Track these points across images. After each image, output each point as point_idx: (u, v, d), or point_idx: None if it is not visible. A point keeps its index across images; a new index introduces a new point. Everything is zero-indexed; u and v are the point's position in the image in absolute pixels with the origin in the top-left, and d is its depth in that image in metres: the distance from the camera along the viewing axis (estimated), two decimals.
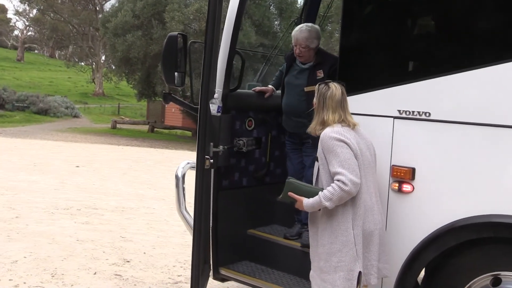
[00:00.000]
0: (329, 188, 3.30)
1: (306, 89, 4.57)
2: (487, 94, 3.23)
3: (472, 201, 3.27)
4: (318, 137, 3.48)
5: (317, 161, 3.49)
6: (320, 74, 4.60)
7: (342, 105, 3.48)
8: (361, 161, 3.36)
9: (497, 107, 3.20)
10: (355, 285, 3.34)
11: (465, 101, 3.31)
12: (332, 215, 3.37)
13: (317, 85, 3.57)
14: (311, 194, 3.37)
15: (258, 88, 4.93)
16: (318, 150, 3.49)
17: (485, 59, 3.26)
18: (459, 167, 3.32)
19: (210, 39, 3.84)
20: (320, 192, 3.33)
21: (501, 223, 3.15)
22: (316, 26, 4.76)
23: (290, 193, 3.45)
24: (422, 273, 3.60)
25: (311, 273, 3.56)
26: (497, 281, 3.28)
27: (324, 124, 3.47)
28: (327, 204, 3.28)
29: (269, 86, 4.96)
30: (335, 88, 3.48)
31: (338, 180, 3.28)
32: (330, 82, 3.52)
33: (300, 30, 4.63)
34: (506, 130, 3.16)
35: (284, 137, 5.00)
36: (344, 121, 3.45)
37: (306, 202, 3.37)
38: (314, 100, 3.57)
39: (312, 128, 3.56)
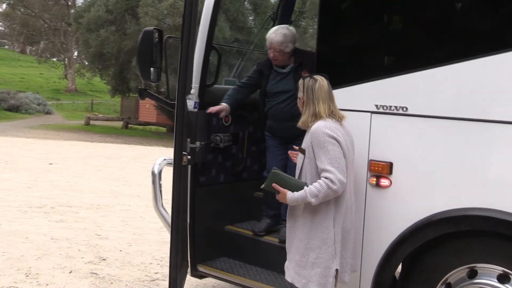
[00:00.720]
0: (316, 184, 3.27)
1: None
2: (463, 89, 3.26)
3: (450, 195, 3.30)
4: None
5: (303, 153, 3.45)
6: (305, 74, 4.43)
7: (330, 96, 3.44)
8: (347, 160, 3.35)
9: (472, 102, 3.23)
10: (331, 282, 3.35)
11: (441, 96, 3.34)
12: (314, 211, 3.35)
13: (301, 79, 3.52)
14: (295, 187, 3.34)
15: (211, 108, 4.52)
16: (305, 142, 3.45)
17: (460, 54, 3.28)
18: (436, 161, 3.35)
19: (187, 34, 3.81)
20: (306, 187, 3.30)
21: (478, 216, 3.18)
22: (292, 29, 4.64)
23: (274, 185, 3.41)
24: (399, 268, 3.63)
25: (286, 263, 3.57)
26: (473, 273, 3.32)
27: (316, 116, 3.42)
28: (312, 200, 3.26)
29: (222, 104, 4.60)
30: (321, 80, 3.44)
31: (326, 178, 3.25)
32: (314, 75, 3.49)
33: (275, 34, 4.52)
34: (482, 124, 3.19)
35: (261, 132, 4.97)
36: (333, 113, 3.42)
37: (291, 196, 3.33)
38: (300, 94, 3.51)
39: (303, 122, 3.50)
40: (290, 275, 3.50)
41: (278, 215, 4.69)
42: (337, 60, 3.81)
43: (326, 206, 3.33)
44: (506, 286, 3.18)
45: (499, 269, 3.22)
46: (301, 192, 3.30)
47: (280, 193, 3.40)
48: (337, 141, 3.31)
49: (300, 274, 3.41)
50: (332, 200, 3.32)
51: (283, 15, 5.72)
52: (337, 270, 3.37)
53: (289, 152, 4.06)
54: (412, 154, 3.43)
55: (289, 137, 4.59)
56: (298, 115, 4.36)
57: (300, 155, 3.50)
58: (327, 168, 3.26)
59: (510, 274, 3.19)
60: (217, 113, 4.56)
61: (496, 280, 3.22)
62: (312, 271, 3.36)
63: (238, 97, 4.72)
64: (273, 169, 3.45)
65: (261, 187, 3.51)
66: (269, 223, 4.72)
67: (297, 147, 3.85)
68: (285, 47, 4.51)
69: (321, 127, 3.34)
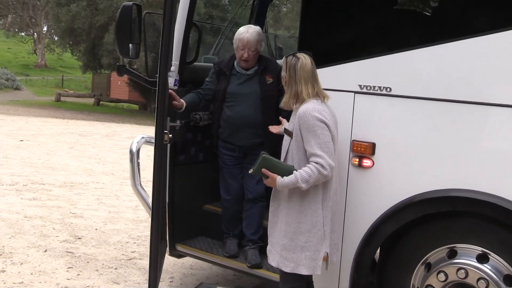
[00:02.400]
0: (306, 169, 3.22)
1: (264, 94, 4.33)
2: (446, 70, 3.26)
3: (431, 175, 3.31)
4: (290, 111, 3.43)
5: (289, 135, 3.40)
6: (270, 78, 4.36)
7: (313, 76, 3.38)
8: (335, 142, 3.32)
9: (455, 82, 3.23)
10: (320, 265, 3.35)
11: (425, 76, 3.33)
12: (302, 194, 3.31)
13: (284, 57, 3.45)
14: (285, 172, 3.28)
15: (173, 94, 4.10)
16: (291, 124, 3.40)
17: (443, 35, 3.28)
18: (418, 142, 3.35)
19: (169, 10, 3.71)
20: (296, 172, 3.24)
21: (459, 197, 3.21)
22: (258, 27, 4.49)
23: (264, 170, 3.32)
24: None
25: (269, 247, 3.53)
26: (453, 253, 3.35)
27: (298, 97, 3.37)
28: (303, 185, 3.21)
29: (182, 99, 4.25)
30: (304, 58, 3.36)
31: (316, 163, 3.21)
32: (297, 52, 3.41)
33: (249, 33, 4.30)
34: (464, 105, 3.20)
35: None
36: (318, 94, 3.38)
37: (281, 181, 3.26)
38: (283, 73, 3.45)
39: (285, 103, 3.45)
40: (274, 259, 3.46)
41: (241, 232, 4.55)
42: (321, 39, 3.76)
43: (314, 189, 3.30)
44: (485, 266, 3.22)
45: (478, 249, 3.26)
46: (291, 177, 3.24)
47: (269, 178, 3.32)
48: (326, 124, 3.26)
49: (288, 258, 3.37)
50: (320, 184, 3.30)
51: None
52: (326, 253, 3.37)
53: (270, 127, 3.99)
54: (394, 134, 3.43)
55: (248, 146, 4.42)
56: (261, 121, 4.29)
57: (286, 138, 3.44)
58: (317, 153, 3.22)
59: (488, 254, 3.23)
60: (174, 99, 4.13)
61: (476, 260, 3.25)
62: (301, 255, 3.34)
63: (196, 100, 4.40)
64: (262, 154, 3.36)
65: (250, 172, 3.41)
66: (237, 242, 4.53)
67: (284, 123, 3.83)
68: (260, 45, 4.37)
69: (310, 110, 3.28)
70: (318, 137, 3.24)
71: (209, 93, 4.48)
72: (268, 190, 3.62)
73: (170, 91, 4.03)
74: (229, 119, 4.41)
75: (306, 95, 3.34)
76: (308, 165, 3.24)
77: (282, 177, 3.27)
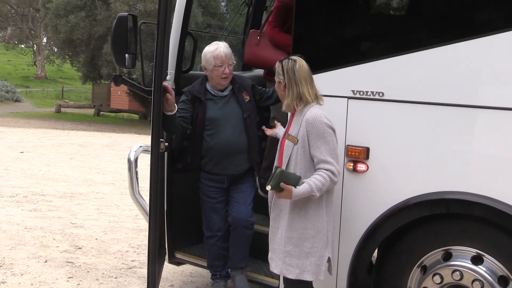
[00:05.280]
0: (319, 177, 3.20)
1: (246, 114, 4.18)
2: (438, 74, 3.29)
3: (425, 178, 3.34)
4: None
5: (292, 141, 3.36)
6: (247, 96, 4.23)
7: (311, 77, 3.39)
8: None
9: (447, 87, 3.27)
10: (323, 271, 3.37)
11: (417, 81, 3.37)
12: (306, 201, 3.30)
13: (278, 62, 3.45)
14: (295, 181, 3.21)
15: (169, 89, 3.90)
16: (295, 129, 3.36)
17: (434, 40, 3.31)
18: (412, 145, 3.39)
19: (163, 20, 3.75)
20: (309, 181, 3.19)
21: (453, 199, 3.24)
22: None
23: (282, 184, 3.17)
24: (376, 253, 3.68)
25: (270, 255, 3.53)
26: (448, 255, 3.38)
27: (302, 99, 3.35)
28: (317, 194, 3.19)
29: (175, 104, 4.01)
30: (300, 60, 3.37)
31: (327, 170, 3.21)
32: (290, 56, 3.43)
33: (222, 46, 4.14)
34: (457, 109, 3.24)
35: None
36: (317, 97, 3.39)
37: (297, 192, 3.17)
38: (280, 78, 3.41)
39: (287, 105, 3.40)
40: (277, 266, 3.45)
41: (225, 268, 4.41)
42: (314, 45, 3.80)
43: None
44: (479, 267, 3.25)
45: (473, 251, 3.29)
46: (305, 187, 3.18)
47: (285, 190, 3.19)
48: (333, 130, 3.30)
49: (293, 265, 3.36)
50: None
51: (258, 0, 5.71)
52: (329, 258, 3.39)
53: (264, 128, 3.98)
54: (388, 139, 3.47)
55: (234, 175, 4.23)
56: (247, 144, 4.14)
57: (289, 144, 3.40)
58: (328, 159, 3.23)
59: (483, 255, 3.26)
60: (168, 92, 3.89)
61: (470, 262, 3.28)
62: (307, 261, 3.34)
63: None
64: (278, 168, 3.26)
65: (267, 188, 3.22)
66: (224, 285, 4.41)
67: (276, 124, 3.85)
68: (233, 59, 4.21)
69: (319, 115, 3.28)
70: (328, 143, 3.25)
71: (185, 120, 4.16)
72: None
73: (164, 84, 3.85)
74: (213, 148, 4.17)
75: (308, 95, 3.35)
76: (319, 172, 3.23)
77: (295, 187, 3.21)
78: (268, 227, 3.59)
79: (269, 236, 3.55)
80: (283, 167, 3.38)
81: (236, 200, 4.28)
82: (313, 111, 3.31)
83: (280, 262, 3.43)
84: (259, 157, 3.96)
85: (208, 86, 4.25)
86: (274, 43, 4.64)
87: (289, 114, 3.56)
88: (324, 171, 3.22)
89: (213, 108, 4.19)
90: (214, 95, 4.23)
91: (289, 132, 3.46)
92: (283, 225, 3.42)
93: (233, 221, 4.28)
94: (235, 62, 4.26)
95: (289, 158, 3.39)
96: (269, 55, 4.55)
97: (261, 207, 4.40)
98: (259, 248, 4.27)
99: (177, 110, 4.04)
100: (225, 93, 4.24)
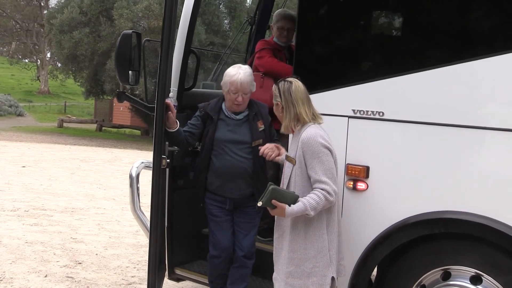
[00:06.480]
0: (313, 196, 3.22)
1: (254, 143, 4.06)
2: (438, 94, 3.33)
3: (425, 198, 3.37)
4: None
5: (291, 162, 3.39)
6: (262, 125, 4.12)
7: (308, 97, 3.42)
8: (336, 166, 3.37)
9: (447, 106, 3.30)
10: None
11: (417, 101, 3.41)
12: (307, 221, 3.32)
13: (275, 85, 3.49)
14: (291, 200, 3.24)
15: (171, 106, 3.97)
16: (293, 150, 3.41)
17: (434, 60, 3.36)
18: (411, 165, 3.42)
19: (167, 38, 3.81)
20: (303, 200, 3.22)
21: (452, 219, 3.25)
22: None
23: (274, 201, 3.23)
24: (375, 271, 3.69)
25: (274, 275, 3.55)
26: (447, 275, 3.39)
27: (299, 119, 3.38)
28: (311, 213, 3.21)
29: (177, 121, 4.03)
30: (296, 81, 3.41)
31: (322, 189, 3.22)
32: (286, 78, 3.47)
33: (242, 74, 4.00)
34: (456, 129, 3.27)
35: None
36: (315, 116, 3.41)
37: (290, 210, 3.22)
38: (277, 100, 3.46)
39: (286, 127, 3.45)
40: (280, 286, 3.47)
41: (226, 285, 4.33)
42: (315, 65, 3.85)
43: (318, 215, 3.31)
44: None
45: (472, 271, 3.30)
46: (299, 205, 3.22)
47: (278, 208, 3.25)
48: (329, 150, 3.31)
49: (294, 285, 3.37)
50: (324, 209, 3.32)
51: (261, 20, 5.77)
52: (333, 277, 3.39)
53: (262, 148, 3.86)
54: (388, 158, 3.50)
55: (239, 199, 4.15)
56: (254, 172, 4.05)
57: (288, 164, 3.44)
58: (323, 179, 3.25)
59: (482, 275, 3.27)
60: (170, 110, 3.94)
61: (469, 282, 3.29)
62: (308, 281, 3.34)
63: (182, 134, 4.11)
64: (270, 185, 3.28)
65: (259, 204, 3.28)
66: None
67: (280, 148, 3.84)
68: (252, 86, 4.10)
69: (314, 135, 3.30)
70: (323, 163, 3.27)
71: (192, 136, 4.16)
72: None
73: (166, 101, 3.87)
74: (218, 170, 4.10)
75: (305, 116, 3.37)
76: (314, 191, 3.25)
77: (289, 205, 3.24)
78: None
79: (273, 256, 3.56)
80: (284, 187, 3.40)
81: (238, 229, 4.24)
82: (308, 131, 3.33)
83: (283, 283, 3.44)
84: (263, 187, 3.93)
85: (223, 106, 4.18)
86: (275, 72, 4.63)
87: (290, 136, 3.60)
88: (320, 190, 3.24)
89: (223, 130, 4.12)
90: (227, 116, 4.15)
91: (287, 154, 3.49)
92: (285, 246, 3.43)
93: (235, 249, 4.24)
94: (253, 90, 4.13)
95: (289, 179, 3.41)
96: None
97: None
98: (258, 266, 4.29)
99: (186, 124, 4.10)
100: (239, 117, 4.14)
